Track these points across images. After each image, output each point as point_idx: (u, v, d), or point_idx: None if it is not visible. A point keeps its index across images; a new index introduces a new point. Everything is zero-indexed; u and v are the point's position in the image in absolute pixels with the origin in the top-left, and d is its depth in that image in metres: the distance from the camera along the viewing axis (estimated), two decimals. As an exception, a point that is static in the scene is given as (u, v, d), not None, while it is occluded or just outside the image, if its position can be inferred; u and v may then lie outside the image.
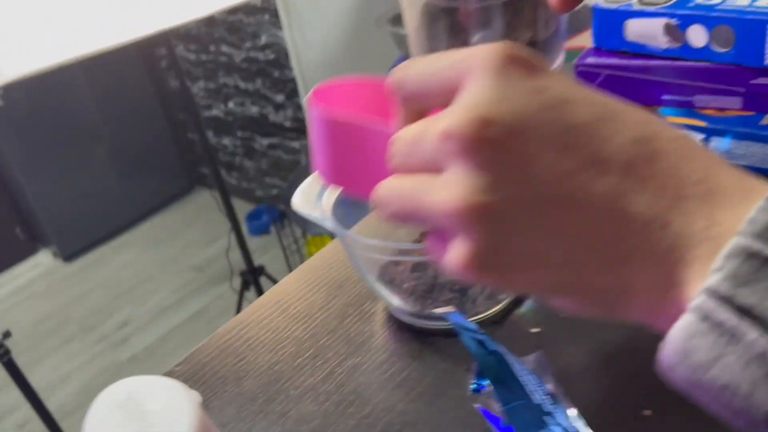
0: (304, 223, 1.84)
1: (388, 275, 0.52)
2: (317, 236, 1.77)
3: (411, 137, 0.28)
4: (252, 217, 2.75)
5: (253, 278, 1.82)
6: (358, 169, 0.34)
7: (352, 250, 0.50)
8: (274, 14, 2.27)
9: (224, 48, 2.54)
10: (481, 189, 0.25)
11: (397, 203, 0.29)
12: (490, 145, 0.25)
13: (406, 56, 1.57)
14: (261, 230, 2.74)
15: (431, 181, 0.27)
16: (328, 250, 0.62)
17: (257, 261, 1.85)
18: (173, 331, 2.33)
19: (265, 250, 2.65)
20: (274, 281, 1.88)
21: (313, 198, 0.51)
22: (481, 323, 0.51)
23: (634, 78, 0.68)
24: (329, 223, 0.49)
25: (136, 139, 2.92)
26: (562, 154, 0.25)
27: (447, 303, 0.50)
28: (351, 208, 0.53)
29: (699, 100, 0.66)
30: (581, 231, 0.25)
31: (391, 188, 0.29)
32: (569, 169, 0.25)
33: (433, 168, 0.27)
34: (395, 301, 0.52)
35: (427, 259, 0.49)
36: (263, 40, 2.39)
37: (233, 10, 2.36)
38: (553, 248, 0.25)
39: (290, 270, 2.11)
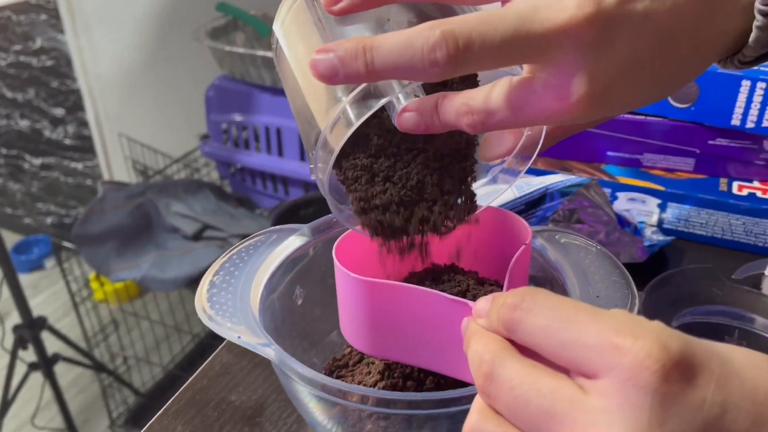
0: (96, 261, 1.55)
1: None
2: (119, 281, 1.49)
3: (533, 402, 0.24)
4: (19, 250, 2.32)
5: (31, 334, 1.49)
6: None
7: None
8: (54, 15, 1.94)
9: (-15, 49, 2.13)
10: None
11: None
12: None
13: (229, 76, 1.39)
14: (31, 266, 2.32)
15: None
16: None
17: (29, 303, 1.51)
18: None
19: (36, 290, 2.25)
20: (62, 337, 1.56)
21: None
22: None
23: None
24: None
25: None
26: None
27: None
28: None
29: (647, 158, 0.58)
30: None
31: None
32: None
33: None
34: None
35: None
36: (38, 43, 2.04)
37: (-1, 6, 1.98)
38: None
39: (77, 315, 1.78)
